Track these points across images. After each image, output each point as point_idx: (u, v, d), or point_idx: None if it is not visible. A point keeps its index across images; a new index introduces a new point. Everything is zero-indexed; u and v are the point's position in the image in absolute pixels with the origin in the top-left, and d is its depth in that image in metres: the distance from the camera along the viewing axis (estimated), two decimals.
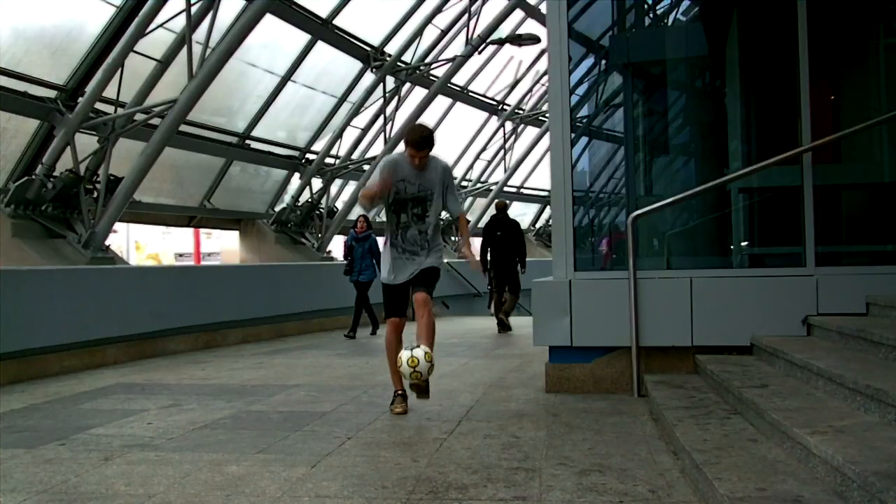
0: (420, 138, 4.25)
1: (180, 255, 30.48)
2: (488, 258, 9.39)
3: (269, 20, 11.11)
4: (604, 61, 6.35)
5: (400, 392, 4.45)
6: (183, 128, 11.13)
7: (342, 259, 9.27)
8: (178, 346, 8.02)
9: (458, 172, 20.25)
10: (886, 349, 3.39)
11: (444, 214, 4.59)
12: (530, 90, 21.64)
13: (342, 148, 15.68)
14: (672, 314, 4.67)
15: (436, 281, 4.48)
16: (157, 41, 10.20)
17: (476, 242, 16.04)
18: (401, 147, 4.52)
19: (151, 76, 10.41)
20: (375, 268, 8.92)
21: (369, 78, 14.93)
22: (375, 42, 14.54)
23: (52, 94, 9.80)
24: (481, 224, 23.32)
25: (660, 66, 6.33)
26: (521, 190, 24.67)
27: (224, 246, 21.06)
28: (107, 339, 7.11)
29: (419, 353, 4.06)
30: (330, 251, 16.51)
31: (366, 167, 16.01)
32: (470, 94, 19.12)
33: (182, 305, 8.18)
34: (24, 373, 6.12)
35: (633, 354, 4.67)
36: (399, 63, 15.12)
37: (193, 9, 9.86)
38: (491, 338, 8.97)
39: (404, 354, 4.08)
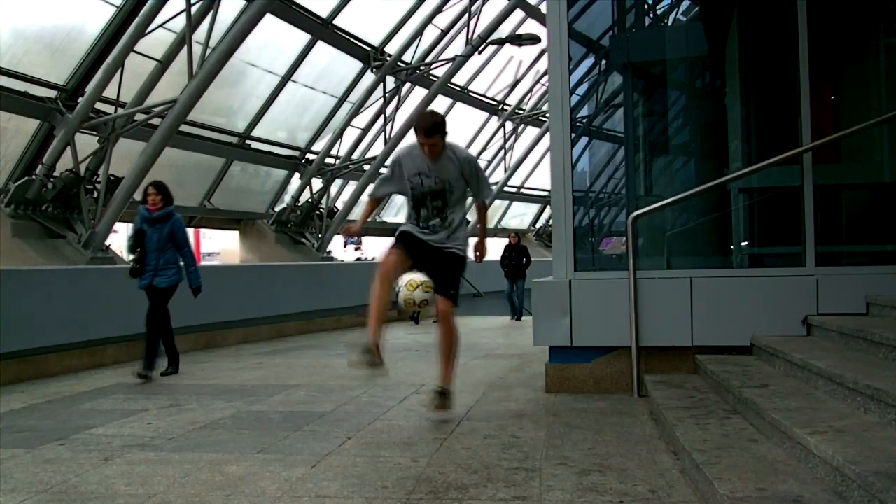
0: (431, 124, 3.87)
1: None
2: None
3: (269, 20, 11.13)
4: (604, 61, 6.35)
5: (373, 347, 3.81)
6: (183, 128, 11.15)
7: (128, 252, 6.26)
8: (178, 346, 8.00)
9: None
10: (886, 349, 3.38)
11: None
12: (530, 90, 21.65)
13: (342, 148, 15.69)
14: (672, 314, 4.67)
15: (460, 276, 4.18)
16: (157, 41, 10.22)
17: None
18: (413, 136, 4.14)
19: (151, 76, 10.43)
20: (180, 268, 6.13)
21: (369, 78, 14.94)
22: (375, 42, 14.55)
23: (52, 94, 9.81)
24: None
25: (660, 66, 6.33)
26: (521, 190, 24.67)
27: (224, 246, 21.09)
28: (107, 339, 7.10)
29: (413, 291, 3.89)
30: (330, 251, 16.51)
31: (366, 167, 16.02)
32: (470, 94, 19.13)
33: (182, 305, 8.16)
34: (24, 373, 6.12)
35: (633, 354, 4.66)
36: (399, 63, 15.12)
37: (193, 9, 9.87)
38: (491, 338, 8.97)
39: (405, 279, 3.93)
